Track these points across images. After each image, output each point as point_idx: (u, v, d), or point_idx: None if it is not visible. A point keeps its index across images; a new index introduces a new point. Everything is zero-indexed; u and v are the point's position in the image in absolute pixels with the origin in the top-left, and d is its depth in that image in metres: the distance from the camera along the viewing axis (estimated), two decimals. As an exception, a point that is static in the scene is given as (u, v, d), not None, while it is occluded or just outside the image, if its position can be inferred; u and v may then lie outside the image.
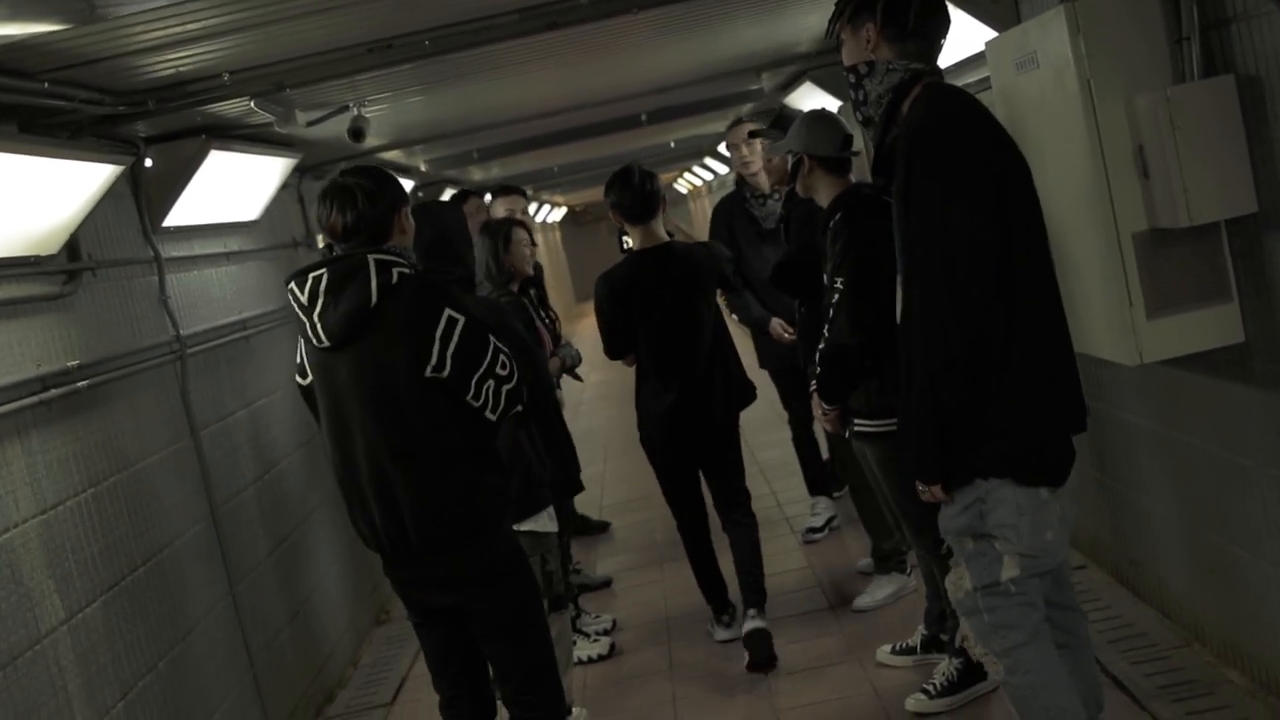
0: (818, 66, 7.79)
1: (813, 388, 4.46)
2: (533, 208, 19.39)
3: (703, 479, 5.53)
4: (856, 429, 4.37)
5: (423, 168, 8.90)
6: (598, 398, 14.18)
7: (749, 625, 5.23)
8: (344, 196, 3.40)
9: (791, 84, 8.49)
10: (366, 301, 3.29)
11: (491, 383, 3.41)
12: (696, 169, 18.88)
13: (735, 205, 6.61)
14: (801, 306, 5.30)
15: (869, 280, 4.03)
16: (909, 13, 3.03)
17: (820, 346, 4.26)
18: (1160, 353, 3.61)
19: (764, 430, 9.60)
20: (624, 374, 6.71)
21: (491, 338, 3.45)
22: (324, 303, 3.33)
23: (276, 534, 5.71)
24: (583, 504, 7.86)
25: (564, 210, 27.77)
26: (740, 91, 8.79)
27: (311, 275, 3.36)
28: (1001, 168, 2.96)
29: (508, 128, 7.93)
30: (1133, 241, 3.55)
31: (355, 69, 4.43)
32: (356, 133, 5.16)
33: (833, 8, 3.27)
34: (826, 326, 4.22)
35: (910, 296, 3.06)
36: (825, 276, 4.41)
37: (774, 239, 6.29)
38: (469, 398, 3.38)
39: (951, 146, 2.93)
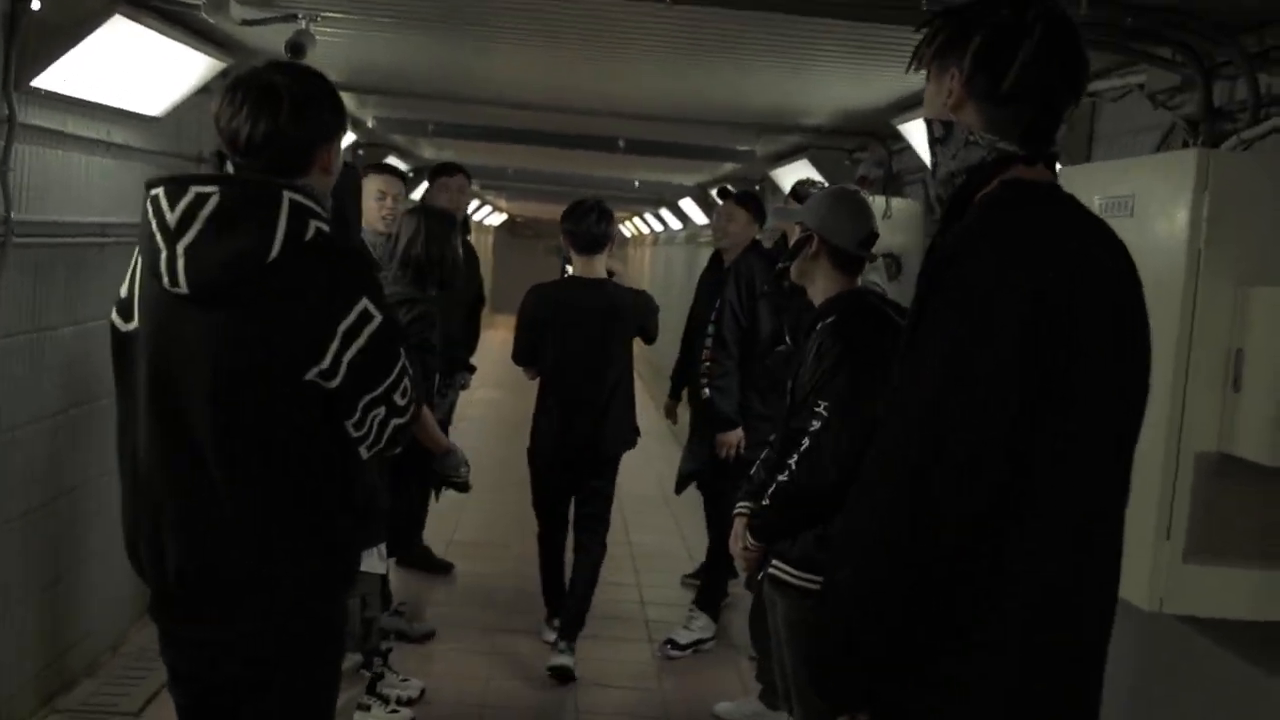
0: (823, 147, 7.08)
1: (739, 512, 3.66)
2: (471, 205, 18.50)
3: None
4: (774, 573, 3.56)
5: (370, 123, 8.00)
6: (484, 418, 13.25)
7: (556, 660, 5.47)
8: (262, 97, 2.42)
9: (787, 157, 7.78)
10: (263, 251, 2.32)
11: (382, 411, 2.46)
12: (649, 215, 18.17)
13: (768, 271, 5.49)
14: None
15: (862, 413, 3.27)
16: (1010, 64, 1.96)
17: (780, 478, 3.44)
18: (1186, 606, 2.86)
19: (646, 510, 8.77)
20: (516, 398, 6.31)
21: (401, 354, 2.51)
22: (200, 233, 2.33)
23: (61, 481, 4.74)
24: (430, 535, 6.97)
25: (504, 217, 26.85)
26: (728, 148, 8.06)
27: (194, 190, 2.35)
28: (1063, 361, 1.83)
29: (474, 107, 7.08)
30: (1194, 463, 2.80)
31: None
32: (295, 48, 4.29)
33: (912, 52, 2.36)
34: (794, 457, 3.41)
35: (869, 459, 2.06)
36: (790, 388, 3.63)
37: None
38: (350, 423, 2.43)
39: (987, 301, 1.85)
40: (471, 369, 6.84)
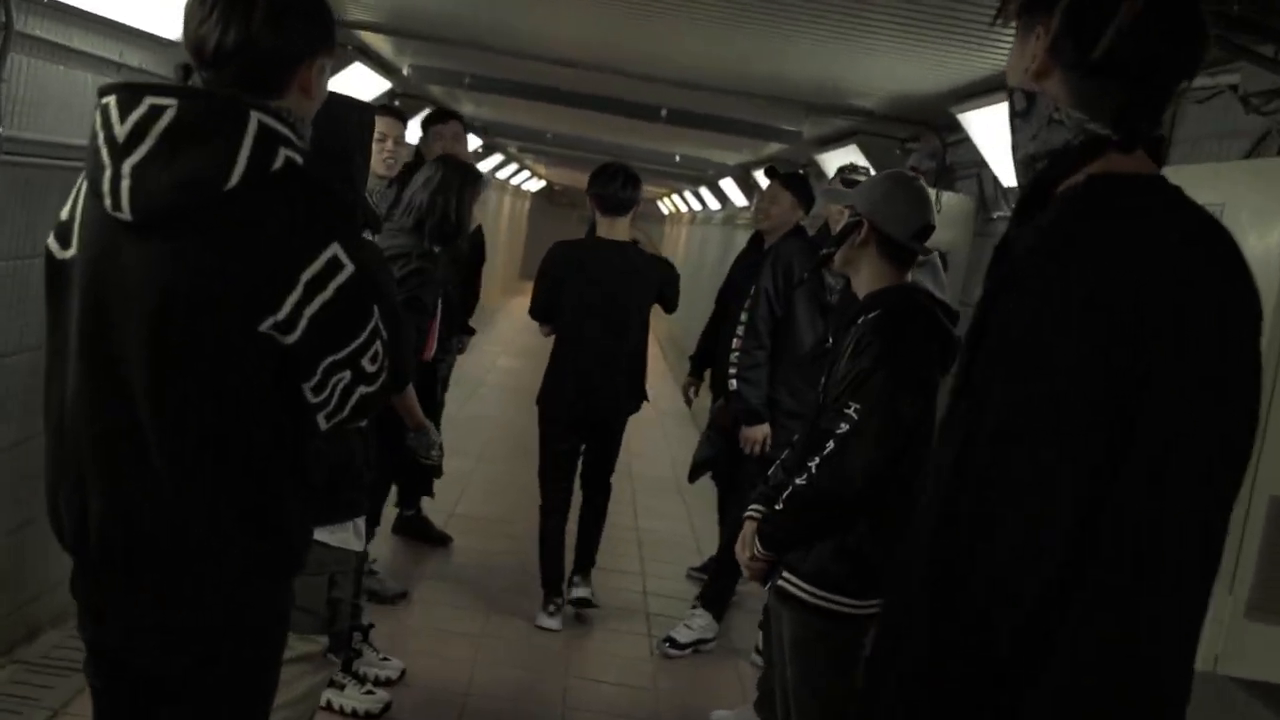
0: (873, 133, 6.75)
1: (749, 516, 3.35)
2: (509, 168, 18.21)
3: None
4: (782, 586, 3.25)
5: (405, 70, 7.69)
6: (500, 386, 13.02)
7: (576, 593, 5.79)
8: (236, 1, 2.06)
9: (834, 141, 7.45)
10: (221, 176, 1.99)
11: (347, 376, 2.12)
12: (687, 193, 17.83)
13: (810, 258, 5.16)
14: None
15: (899, 418, 2.97)
16: (1104, 26, 1.60)
17: (798, 481, 3.14)
18: (1244, 668, 2.54)
19: (657, 494, 8.48)
20: (537, 366, 6.20)
21: (376, 311, 2.17)
22: (150, 151, 1.99)
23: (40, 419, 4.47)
24: (431, 504, 6.69)
25: (541, 184, 26.55)
26: (773, 127, 7.73)
27: (149, 101, 2.01)
28: (1137, 383, 1.48)
29: (513, 60, 6.75)
30: (1266, 507, 2.48)
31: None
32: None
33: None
34: (816, 460, 3.10)
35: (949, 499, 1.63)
36: (822, 384, 3.32)
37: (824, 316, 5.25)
38: (308, 385, 2.09)
39: (1059, 317, 1.53)
40: (470, 331, 6.54)
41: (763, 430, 5.33)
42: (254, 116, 2.02)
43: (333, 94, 3.54)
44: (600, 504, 5.88)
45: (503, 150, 15.89)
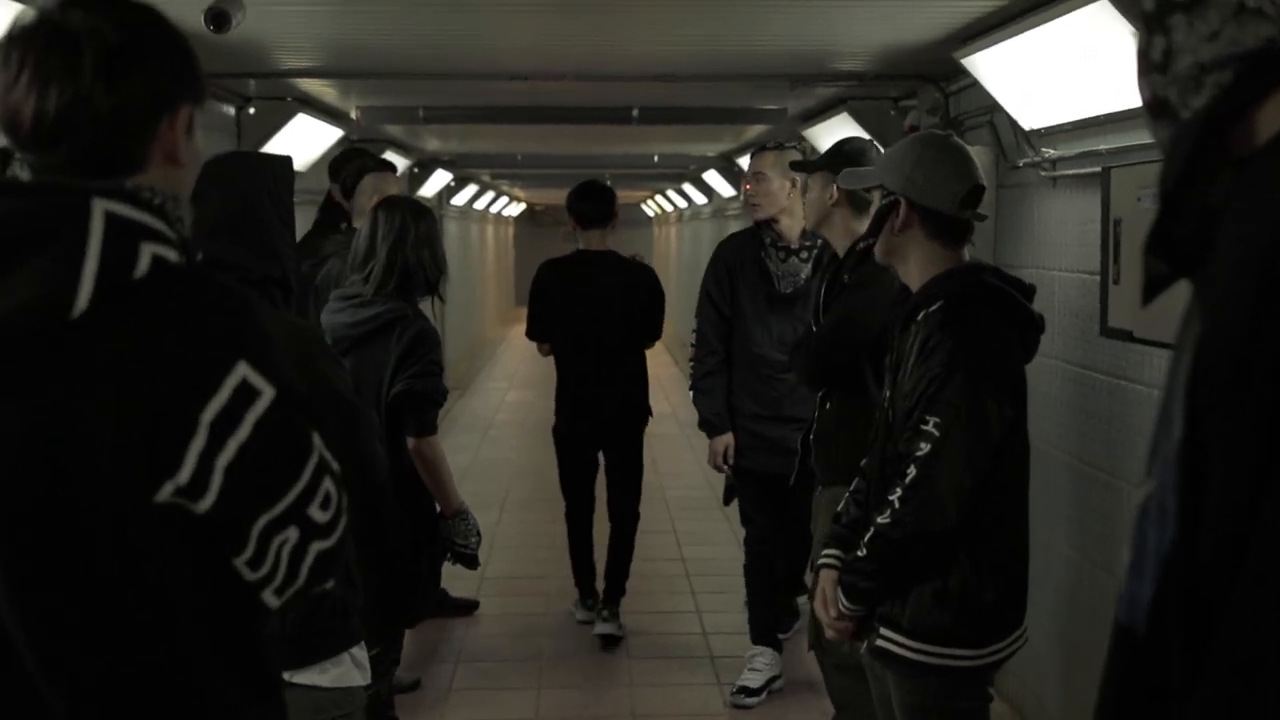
0: (864, 97, 6.20)
1: (824, 565, 2.82)
2: (485, 198, 17.69)
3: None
4: (883, 646, 2.71)
5: (354, 114, 7.16)
6: (509, 421, 12.48)
7: (601, 629, 5.70)
8: (52, 51, 1.49)
9: (822, 113, 6.90)
10: (63, 298, 1.42)
11: (293, 536, 1.55)
12: (671, 193, 17.30)
13: (747, 249, 4.99)
14: (826, 402, 3.82)
15: (988, 429, 2.46)
16: None
17: (879, 520, 2.60)
18: None
19: (696, 516, 7.95)
20: (544, 397, 6.22)
21: (316, 440, 1.59)
22: None
23: None
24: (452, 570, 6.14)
25: (522, 206, 26.03)
26: (753, 108, 7.17)
27: None
28: None
29: (466, 84, 6.22)
30: None
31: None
32: (218, 17, 3.43)
33: None
34: (897, 491, 2.56)
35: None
36: (886, 392, 2.78)
37: (786, 310, 4.77)
38: (242, 560, 1.52)
39: None
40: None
41: (723, 441, 4.98)
42: (99, 207, 1.44)
43: (228, 154, 3.03)
44: (627, 529, 5.88)
45: (476, 180, 15.37)
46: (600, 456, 5.90)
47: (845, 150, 3.94)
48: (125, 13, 1.54)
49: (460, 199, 14.69)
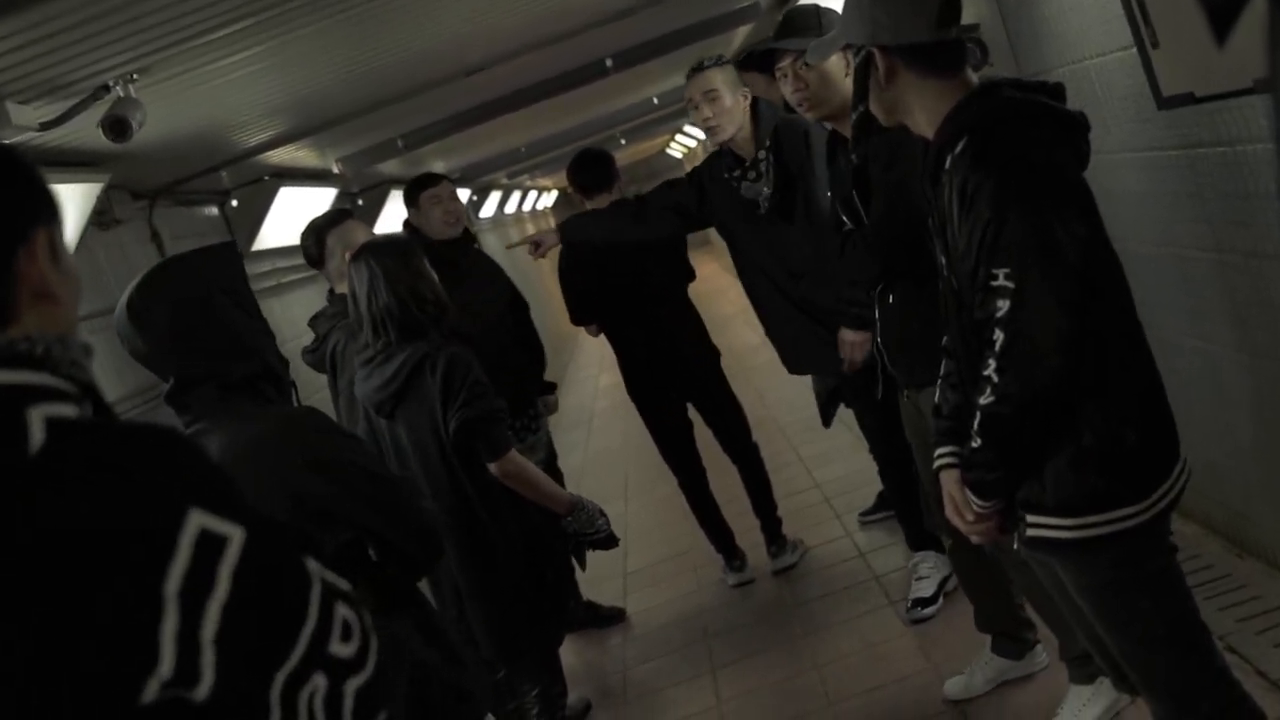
0: (830, -44, 5.78)
1: (942, 466, 2.48)
2: (515, 196, 17.42)
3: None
4: (1036, 534, 2.36)
5: (335, 169, 6.90)
6: (610, 406, 12.19)
7: (778, 565, 5.66)
8: None
9: (795, -10, 6.48)
10: None
11: (321, 682, 1.26)
12: (688, 128, 16.87)
13: (719, 176, 4.72)
14: (888, 295, 3.45)
15: (1066, 258, 2.11)
16: None
17: (982, 400, 2.25)
18: None
19: (816, 438, 7.58)
20: None
21: (312, 566, 1.31)
22: None
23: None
24: (593, 579, 5.88)
25: (554, 194, 25.71)
26: (727, 12, 6.77)
27: None
28: None
29: (435, 96, 5.90)
30: None
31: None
32: (116, 125, 3.15)
33: None
34: (990, 364, 2.21)
35: None
36: (941, 259, 2.43)
37: (774, 226, 4.52)
38: None
39: None
40: (548, 389, 5.74)
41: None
42: None
43: (157, 267, 2.72)
44: (753, 469, 5.77)
45: (496, 186, 15.10)
46: (690, 412, 5.75)
47: (795, 24, 3.59)
48: None
49: (487, 210, 14.41)
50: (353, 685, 1.29)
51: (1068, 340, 2.15)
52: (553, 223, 27.50)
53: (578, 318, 5.83)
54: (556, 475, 5.29)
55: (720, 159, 4.73)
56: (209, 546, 1.18)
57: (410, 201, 5.44)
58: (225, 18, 3.19)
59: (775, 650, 4.86)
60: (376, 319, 3.75)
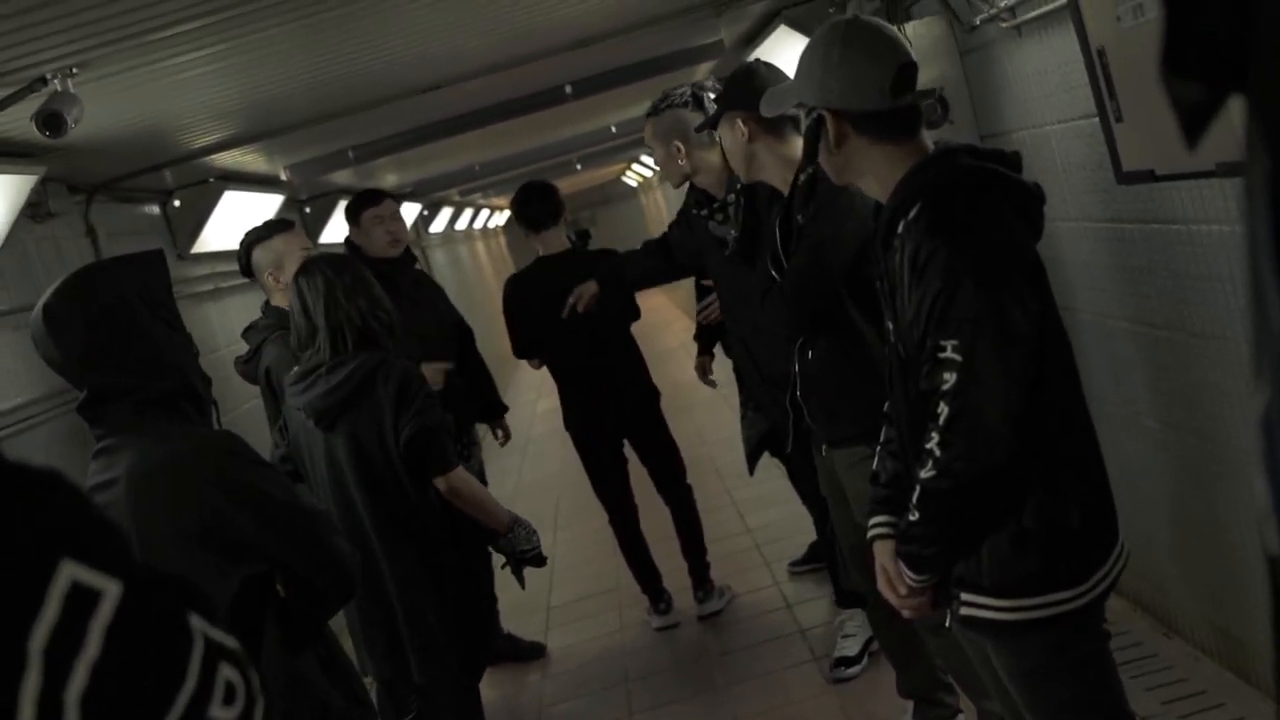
0: (798, 3, 5.76)
1: (876, 536, 2.41)
2: (464, 218, 17.31)
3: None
4: (970, 613, 2.29)
5: (283, 175, 6.78)
6: (547, 432, 12.09)
7: (704, 610, 5.60)
8: None
9: (760, 32, 6.46)
10: None
11: None
12: (645, 158, 16.84)
13: (696, 219, 4.66)
14: (808, 350, 3.42)
15: (1017, 333, 2.06)
16: None
17: (923, 474, 2.19)
18: None
19: (751, 482, 7.52)
20: None
21: (196, 623, 1.16)
22: None
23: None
24: (516, 610, 5.78)
25: (506, 214, 25.60)
26: (688, 48, 6.73)
27: None
28: None
29: (391, 111, 5.79)
30: None
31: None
32: (51, 120, 3.04)
33: None
34: (933, 437, 2.14)
35: None
36: (889, 324, 2.36)
37: (737, 269, 4.32)
38: None
39: None
40: (499, 412, 5.69)
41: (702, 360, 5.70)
42: None
43: (80, 271, 2.60)
44: (685, 512, 5.72)
45: (448, 203, 14.99)
46: (626, 450, 5.70)
47: (737, 82, 3.55)
48: None
49: (437, 226, 14.30)
50: None
51: (1015, 417, 2.10)
52: (503, 243, 27.40)
53: (520, 351, 5.75)
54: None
55: (691, 193, 4.67)
56: (80, 601, 1.08)
57: (352, 219, 5.35)
58: (174, 16, 3.09)
59: (695, 700, 4.77)
60: (336, 329, 3.64)
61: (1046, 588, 2.20)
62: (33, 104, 3.10)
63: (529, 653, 5.68)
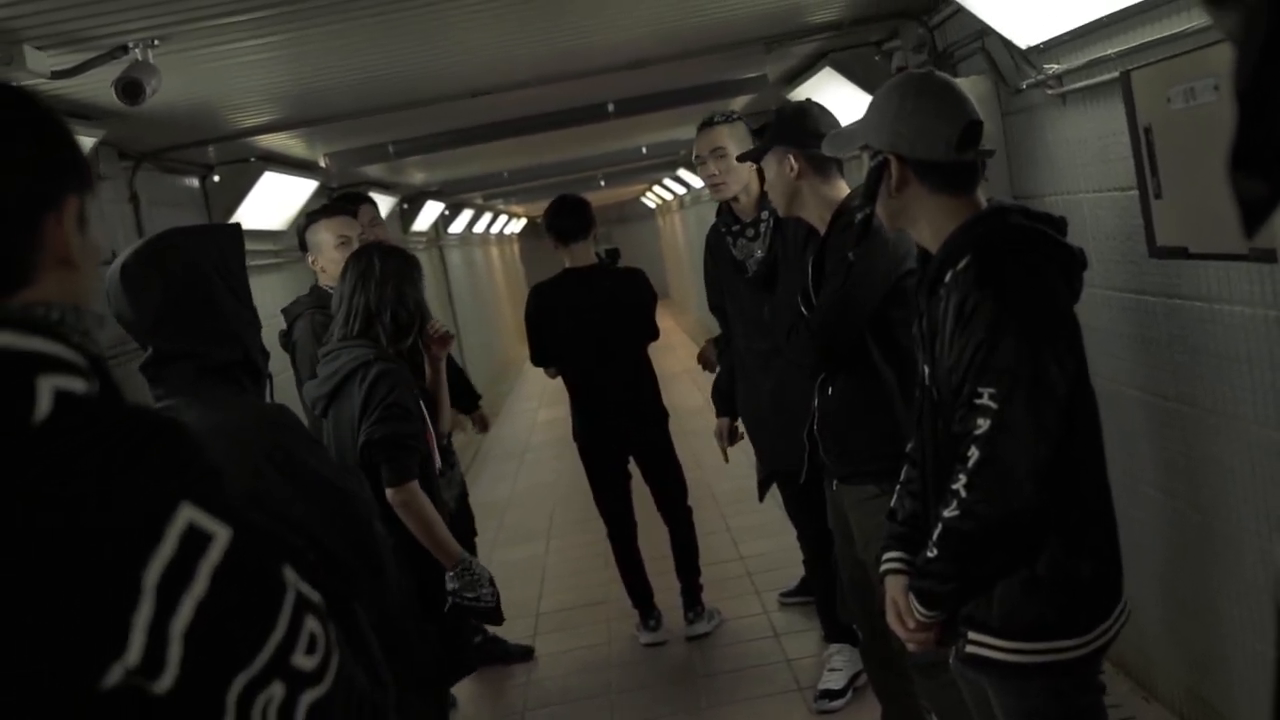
0: (844, 46, 5.87)
1: (889, 570, 2.51)
2: (483, 220, 17.42)
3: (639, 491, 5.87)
4: (975, 652, 2.39)
5: (322, 162, 6.89)
6: (546, 441, 12.17)
7: (693, 631, 5.71)
8: None
9: (804, 71, 6.58)
10: None
11: (278, 692, 1.25)
12: (668, 181, 16.97)
13: (717, 240, 4.81)
14: (828, 386, 3.52)
15: (1052, 389, 2.17)
16: None
17: (946, 513, 2.29)
18: None
19: (747, 510, 7.62)
20: None
21: (289, 576, 1.30)
22: None
23: None
24: (510, 613, 5.84)
25: (523, 222, 25.76)
26: (731, 79, 6.85)
27: None
28: None
29: (436, 110, 5.90)
30: None
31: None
32: (130, 88, 3.14)
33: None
34: (961, 479, 2.24)
35: None
36: (924, 368, 2.46)
37: (758, 294, 4.35)
38: None
39: None
40: (472, 404, 5.90)
41: (721, 423, 5.17)
42: None
43: (165, 233, 2.70)
44: (684, 532, 5.83)
45: (470, 205, 15.11)
46: (631, 467, 5.80)
47: (787, 118, 3.64)
48: None
49: (457, 226, 14.41)
50: (308, 698, 1.29)
51: (1042, 468, 2.19)
52: (517, 250, 27.52)
53: (538, 359, 5.83)
54: (466, 511, 5.31)
55: (720, 217, 4.76)
56: (194, 542, 1.18)
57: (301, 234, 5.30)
58: (248, 3, 3.20)
59: (675, 716, 4.85)
60: (351, 309, 3.72)
61: (1053, 634, 2.30)
62: (111, 70, 3.20)
63: (517, 655, 5.76)
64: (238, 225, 2.68)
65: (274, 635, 1.24)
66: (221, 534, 1.20)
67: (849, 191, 3.52)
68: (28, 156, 1.27)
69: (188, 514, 1.18)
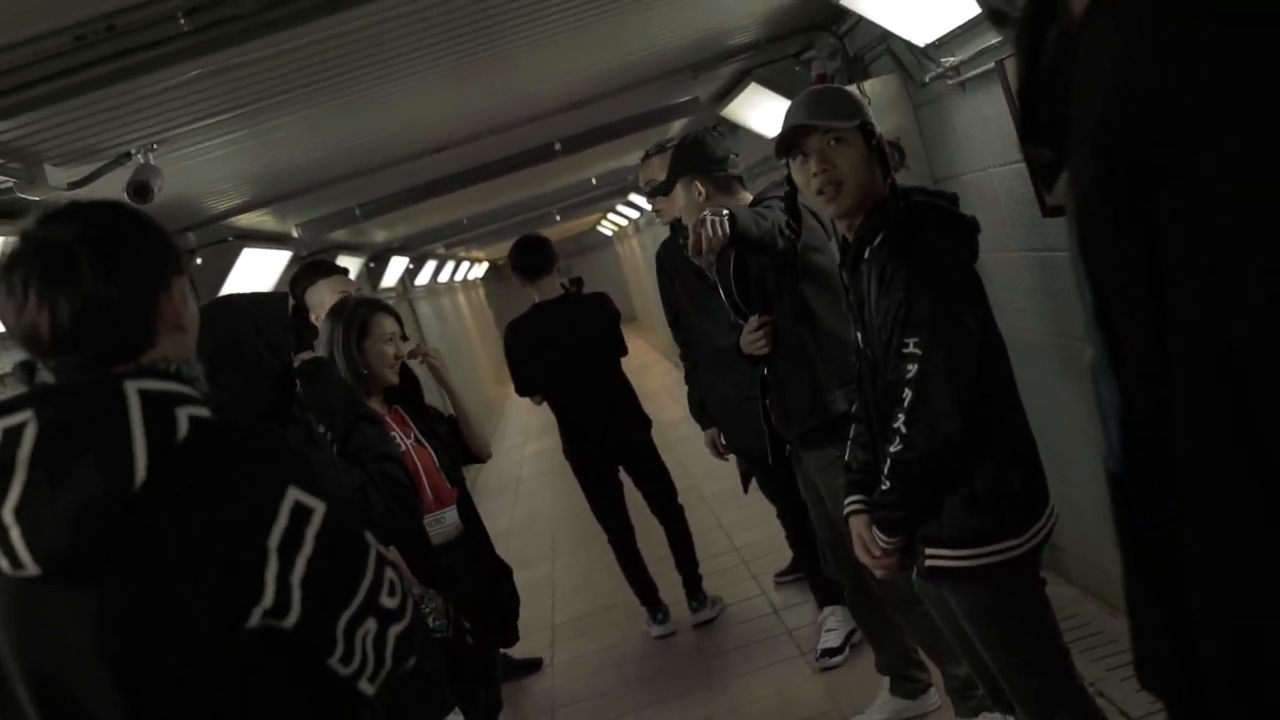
0: (766, 62, 6.33)
1: (851, 511, 2.94)
2: (448, 269, 17.82)
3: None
4: (933, 564, 2.83)
5: (295, 233, 7.30)
6: (537, 473, 12.58)
7: (698, 619, 6.13)
8: (51, 265, 1.66)
9: (732, 89, 7.03)
10: (124, 479, 1.57)
11: (372, 627, 1.73)
12: (621, 207, 17.42)
13: (676, 249, 5.24)
14: (764, 369, 4.01)
15: (968, 333, 2.59)
16: None
17: (891, 449, 2.72)
18: None
19: (736, 505, 8.04)
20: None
21: (369, 537, 1.78)
22: (27, 485, 1.57)
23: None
24: (528, 627, 6.24)
25: (485, 265, 26.19)
26: (666, 106, 7.30)
27: (1, 425, 1.60)
28: None
29: (394, 170, 6.33)
30: None
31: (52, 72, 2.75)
32: (140, 189, 3.56)
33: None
34: (900, 418, 2.68)
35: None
36: (857, 334, 2.91)
37: (712, 297, 4.78)
38: (335, 659, 1.71)
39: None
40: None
41: (708, 435, 5.53)
42: (130, 389, 1.63)
43: (224, 299, 3.09)
44: (678, 527, 6.23)
45: (433, 255, 15.51)
46: (622, 475, 6.20)
47: (687, 150, 4.11)
48: (101, 214, 1.73)
49: (423, 278, 14.82)
50: (394, 631, 1.77)
51: (966, 399, 2.62)
52: (483, 294, 27.93)
53: (523, 389, 6.20)
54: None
55: (674, 231, 5.19)
56: (301, 514, 1.66)
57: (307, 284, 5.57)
58: (240, 99, 3.61)
59: (694, 693, 5.26)
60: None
61: (994, 538, 2.73)
62: (117, 176, 3.61)
63: (524, 670, 6.14)
64: (284, 294, 3.07)
65: (365, 580, 1.72)
66: (319, 507, 1.67)
67: (754, 196, 4.04)
68: (145, 254, 1.73)
69: (294, 494, 1.66)
